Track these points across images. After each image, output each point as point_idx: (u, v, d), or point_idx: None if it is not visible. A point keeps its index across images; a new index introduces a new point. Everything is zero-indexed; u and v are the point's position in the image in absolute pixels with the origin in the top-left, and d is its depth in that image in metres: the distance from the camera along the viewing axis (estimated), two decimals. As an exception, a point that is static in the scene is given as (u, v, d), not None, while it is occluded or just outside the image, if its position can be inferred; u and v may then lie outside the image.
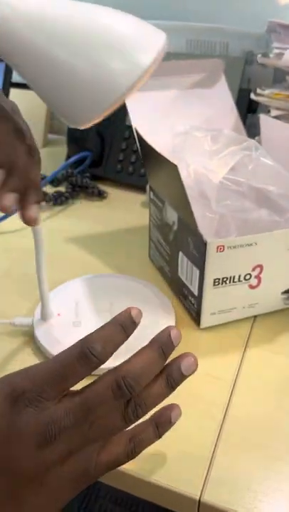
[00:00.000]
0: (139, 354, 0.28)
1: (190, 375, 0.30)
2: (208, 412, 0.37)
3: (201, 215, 0.40)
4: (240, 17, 0.72)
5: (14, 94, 0.73)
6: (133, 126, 0.48)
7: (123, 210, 0.67)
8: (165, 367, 0.29)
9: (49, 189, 0.69)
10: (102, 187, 0.71)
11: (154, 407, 0.29)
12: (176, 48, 0.74)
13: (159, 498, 0.33)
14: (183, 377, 0.29)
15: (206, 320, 0.44)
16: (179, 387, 0.31)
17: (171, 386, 0.29)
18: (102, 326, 0.28)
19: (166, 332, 0.29)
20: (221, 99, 0.56)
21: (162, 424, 0.30)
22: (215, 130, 0.43)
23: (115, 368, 0.28)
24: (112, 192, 0.71)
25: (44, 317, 0.43)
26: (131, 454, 0.29)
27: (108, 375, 0.27)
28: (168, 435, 0.34)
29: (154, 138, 0.44)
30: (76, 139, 0.73)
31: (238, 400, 0.38)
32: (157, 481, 0.32)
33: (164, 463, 0.33)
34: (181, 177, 0.37)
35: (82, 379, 0.27)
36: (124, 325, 0.28)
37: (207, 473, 0.32)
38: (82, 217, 0.65)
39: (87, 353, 0.27)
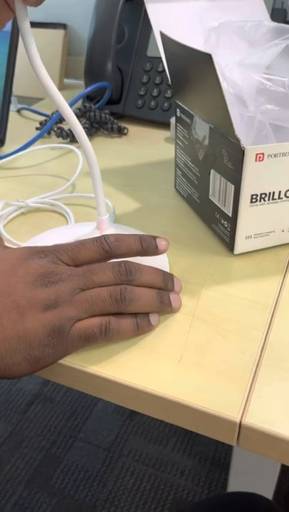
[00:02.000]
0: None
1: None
2: (248, 335, 0.33)
3: (237, 118, 0.35)
4: None
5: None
6: (156, 32, 0.43)
7: (145, 146, 0.62)
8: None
9: (65, 125, 0.65)
10: (122, 124, 0.66)
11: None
12: None
13: (195, 423, 0.29)
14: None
15: (240, 244, 0.40)
16: (216, 313, 0.34)
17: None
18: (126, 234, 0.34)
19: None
20: (255, 11, 0.50)
21: (141, 320, 0.32)
22: (253, 21, 0.37)
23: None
24: (133, 129, 0.66)
25: None
26: (104, 331, 0.30)
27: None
28: (204, 358, 0.30)
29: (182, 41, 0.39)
30: (93, 74, 0.68)
31: (279, 322, 0.34)
32: (194, 404, 0.28)
33: (202, 386, 0.29)
34: (216, 68, 0.32)
35: (93, 258, 0.32)
36: (144, 241, 0.34)
37: (248, 397, 0.28)
38: (101, 153, 0.60)
39: (101, 239, 0.33)
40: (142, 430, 1.07)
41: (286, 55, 0.36)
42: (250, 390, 0.29)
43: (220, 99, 0.34)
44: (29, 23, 0.31)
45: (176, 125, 0.47)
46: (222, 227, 0.41)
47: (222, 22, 0.38)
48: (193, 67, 0.37)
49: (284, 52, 0.35)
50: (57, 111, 0.65)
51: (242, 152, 0.35)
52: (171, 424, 0.34)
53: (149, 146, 0.62)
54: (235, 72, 0.36)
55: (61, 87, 0.84)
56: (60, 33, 0.82)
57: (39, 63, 0.32)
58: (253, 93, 0.36)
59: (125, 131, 0.65)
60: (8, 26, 0.61)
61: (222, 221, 0.41)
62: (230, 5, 0.49)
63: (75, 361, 0.31)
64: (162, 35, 0.40)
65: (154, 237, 0.34)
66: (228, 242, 0.41)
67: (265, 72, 0.36)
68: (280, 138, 0.38)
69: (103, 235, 0.33)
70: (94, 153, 0.36)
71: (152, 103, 0.66)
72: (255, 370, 0.30)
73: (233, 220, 0.39)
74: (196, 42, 0.40)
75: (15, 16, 0.32)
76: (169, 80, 0.44)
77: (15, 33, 0.60)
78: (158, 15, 0.46)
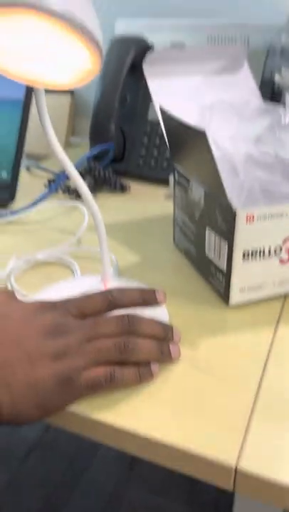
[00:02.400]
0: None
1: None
2: (243, 383, 0.35)
3: (229, 184, 0.39)
4: (260, 11, 0.72)
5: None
6: (156, 106, 0.48)
7: (146, 202, 0.67)
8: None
9: (72, 183, 0.69)
10: (125, 181, 0.71)
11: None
12: (198, 44, 0.75)
13: (193, 468, 0.31)
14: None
15: (235, 297, 0.43)
16: (213, 362, 0.37)
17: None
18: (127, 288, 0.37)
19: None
20: (244, 85, 0.55)
21: (143, 369, 0.34)
22: (242, 102, 0.42)
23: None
24: (135, 186, 0.71)
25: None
26: (109, 380, 0.33)
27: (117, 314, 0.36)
28: (201, 405, 0.33)
29: (179, 117, 0.44)
30: (98, 135, 0.73)
31: (272, 372, 0.36)
32: (192, 449, 0.30)
33: (199, 432, 0.31)
34: (209, 142, 0.37)
35: (99, 311, 0.35)
36: (144, 294, 0.37)
37: (243, 442, 0.31)
38: (105, 209, 0.64)
39: (106, 293, 0.36)
40: (143, 479, 1.06)
41: (271, 130, 0.40)
42: (245, 436, 0.31)
43: (213, 168, 0.38)
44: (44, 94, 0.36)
45: (174, 187, 0.52)
46: (218, 281, 0.44)
47: (215, 101, 0.43)
48: (189, 140, 0.42)
49: (269, 127, 0.40)
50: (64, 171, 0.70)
51: (234, 214, 0.39)
52: (172, 472, 0.36)
53: (150, 202, 0.67)
54: (227, 143, 0.41)
55: (68, 145, 0.90)
56: (67, 97, 0.90)
57: (53, 137, 0.36)
58: (243, 161, 0.41)
59: (127, 188, 0.69)
60: (22, 94, 0.67)
61: (217, 275, 0.44)
62: (222, 80, 0.55)
63: (79, 407, 0.33)
64: (162, 110, 0.45)
65: (154, 291, 0.38)
66: (224, 294, 0.44)
67: (254, 144, 0.41)
68: (268, 200, 0.42)
69: (108, 289, 0.36)
70: (99, 214, 0.40)
71: (152, 162, 0.72)
72: (250, 416, 0.32)
73: (228, 274, 0.42)
74: (191, 116, 0.45)
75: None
76: (168, 147, 0.49)
77: (28, 101, 0.66)
78: (158, 89, 0.52)
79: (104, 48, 0.81)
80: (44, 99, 0.36)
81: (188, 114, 0.44)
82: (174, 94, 0.51)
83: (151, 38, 0.76)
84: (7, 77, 0.32)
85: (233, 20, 0.74)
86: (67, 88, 0.33)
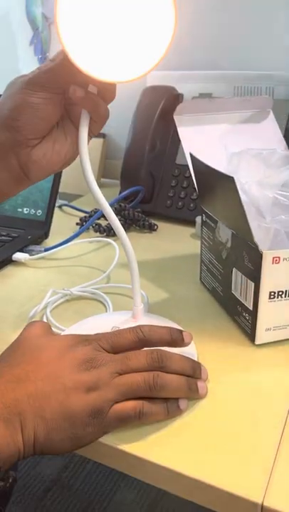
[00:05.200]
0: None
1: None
2: (269, 421, 0.36)
3: (256, 227, 0.41)
4: (283, 62, 0.76)
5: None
6: (186, 152, 0.51)
7: (173, 241, 0.69)
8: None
9: (103, 221, 0.73)
10: (153, 221, 0.74)
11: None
12: (224, 94, 0.79)
13: (218, 503, 0.31)
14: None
15: (261, 336, 0.44)
16: (239, 399, 0.38)
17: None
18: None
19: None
20: (270, 133, 0.58)
21: (171, 405, 0.36)
22: (268, 149, 0.45)
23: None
24: (162, 225, 0.74)
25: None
26: (138, 414, 0.34)
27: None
28: (227, 442, 0.33)
29: (208, 163, 0.47)
30: (129, 177, 0.77)
31: (298, 411, 0.37)
32: (218, 485, 0.31)
33: (226, 468, 0.32)
34: (237, 188, 0.39)
35: (129, 346, 0.37)
36: (173, 333, 0.39)
37: (269, 480, 0.31)
38: (134, 247, 0.67)
39: (137, 330, 0.38)
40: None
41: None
42: (271, 473, 0.32)
43: (240, 212, 0.41)
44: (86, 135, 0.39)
45: (201, 227, 0.54)
46: (244, 319, 0.46)
47: (243, 149, 0.46)
48: (218, 185, 0.44)
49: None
50: (96, 209, 0.74)
51: (260, 256, 0.41)
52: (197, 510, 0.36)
53: (177, 241, 0.69)
54: (254, 189, 0.43)
55: (99, 186, 0.94)
56: (99, 140, 0.95)
57: (92, 179, 0.39)
58: (269, 206, 0.43)
59: (155, 227, 0.72)
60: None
61: (244, 314, 0.46)
62: (248, 128, 0.58)
63: (108, 439, 0.34)
64: (192, 156, 0.48)
65: (181, 331, 0.39)
66: (250, 333, 0.45)
67: (280, 190, 0.43)
68: (293, 243, 0.43)
69: (138, 326, 0.38)
70: (133, 251, 0.42)
71: (180, 203, 0.75)
72: (276, 454, 0.33)
73: (254, 313, 0.44)
74: (220, 162, 0.48)
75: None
76: (196, 189, 0.52)
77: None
78: (187, 136, 0.55)
79: (136, 96, 0.86)
80: (86, 144, 0.39)
81: (216, 160, 0.47)
82: (202, 141, 0.54)
83: (181, 88, 0.81)
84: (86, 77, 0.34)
85: (258, 71, 0.78)
86: (136, 79, 0.35)
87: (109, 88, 0.38)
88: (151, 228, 0.72)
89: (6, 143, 0.39)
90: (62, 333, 0.44)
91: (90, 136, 0.41)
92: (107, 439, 0.34)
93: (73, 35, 0.33)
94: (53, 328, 0.43)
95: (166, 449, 0.34)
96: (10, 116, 0.38)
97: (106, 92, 0.38)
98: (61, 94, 0.38)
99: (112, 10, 0.33)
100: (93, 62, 0.34)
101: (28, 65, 1.05)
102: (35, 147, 0.40)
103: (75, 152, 0.41)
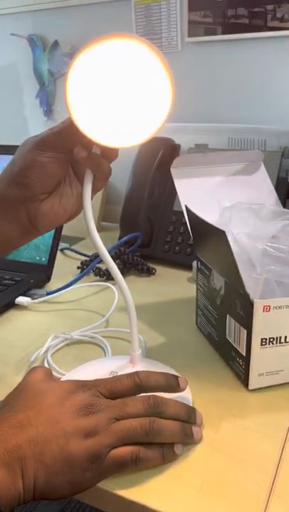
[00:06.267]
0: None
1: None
2: (261, 466, 0.37)
3: (247, 276, 0.44)
4: (274, 116, 0.81)
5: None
6: (182, 204, 0.54)
7: (170, 285, 0.72)
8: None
9: (103, 265, 0.75)
10: (151, 265, 0.77)
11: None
12: (219, 145, 0.84)
13: None
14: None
15: (254, 381, 0.46)
16: (233, 444, 0.40)
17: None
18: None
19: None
20: (261, 185, 0.62)
21: (167, 450, 0.37)
22: (258, 204, 0.48)
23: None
24: (160, 269, 0.77)
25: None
26: (135, 460, 0.36)
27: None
28: (221, 487, 0.35)
29: (202, 215, 0.50)
30: (128, 222, 0.81)
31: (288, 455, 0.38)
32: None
33: (218, 512, 0.33)
34: (229, 242, 0.42)
35: (127, 392, 0.38)
36: (168, 379, 0.40)
37: (261, 525, 0.32)
38: (132, 291, 0.69)
39: (134, 376, 0.39)
40: None
41: (284, 230, 0.46)
42: (262, 518, 0.33)
43: (232, 263, 0.43)
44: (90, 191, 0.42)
45: (197, 273, 0.57)
46: (238, 365, 0.47)
47: (234, 203, 0.49)
48: (211, 236, 0.47)
49: (283, 228, 0.46)
50: (97, 254, 0.77)
51: (252, 304, 0.43)
52: None
53: (174, 285, 0.71)
54: (245, 240, 0.46)
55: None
56: (100, 186, 0.99)
57: (93, 228, 0.42)
58: (259, 257, 0.45)
59: (153, 271, 0.75)
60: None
61: (237, 359, 0.47)
62: (241, 180, 0.62)
63: (105, 484, 0.36)
64: (187, 209, 0.52)
65: (177, 377, 0.41)
66: (243, 378, 0.47)
67: (270, 241, 0.46)
68: (283, 291, 0.46)
69: (135, 372, 0.40)
70: (131, 298, 0.45)
71: (177, 248, 0.78)
72: (268, 500, 0.34)
73: (247, 359, 0.45)
74: (213, 214, 0.51)
75: None
76: (192, 238, 0.55)
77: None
78: (183, 188, 0.59)
79: (135, 147, 0.90)
80: (90, 200, 0.43)
81: (210, 212, 0.50)
82: (197, 193, 0.58)
83: (178, 139, 0.85)
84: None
85: (251, 125, 0.83)
86: (137, 145, 0.39)
87: (111, 150, 0.42)
88: (150, 272, 0.75)
89: (17, 198, 0.42)
90: (63, 378, 0.46)
91: (94, 192, 0.44)
92: (104, 484, 0.36)
93: (80, 105, 0.37)
94: (53, 373, 0.45)
95: (162, 494, 0.35)
96: (20, 173, 0.41)
97: (109, 153, 0.42)
98: (68, 153, 0.42)
99: (114, 84, 0.37)
100: (97, 128, 0.38)
101: (32, 111, 1.12)
102: (44, 201, 0.43)
103: (81, 206, 0.44)
